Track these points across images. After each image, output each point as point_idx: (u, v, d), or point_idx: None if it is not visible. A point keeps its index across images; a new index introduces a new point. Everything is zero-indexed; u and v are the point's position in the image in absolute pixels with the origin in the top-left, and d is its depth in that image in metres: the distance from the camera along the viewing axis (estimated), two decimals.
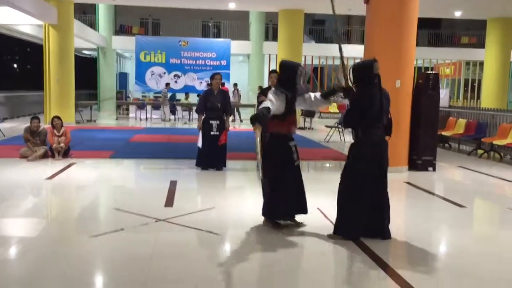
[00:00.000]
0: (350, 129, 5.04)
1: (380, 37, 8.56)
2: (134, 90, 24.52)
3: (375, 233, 4.75)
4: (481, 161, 10.49)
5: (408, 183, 7.90)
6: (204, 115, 8.30)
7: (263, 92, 7.65)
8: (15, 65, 35.70)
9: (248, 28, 26.04)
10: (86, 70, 28.52)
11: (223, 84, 10.51)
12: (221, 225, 5.18)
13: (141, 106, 20.60)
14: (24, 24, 18.60)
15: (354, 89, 4.79)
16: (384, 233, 4.76)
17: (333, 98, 5.16)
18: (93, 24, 24.43)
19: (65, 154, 9.35)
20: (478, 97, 25.25)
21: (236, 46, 23.35)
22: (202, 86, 21.23)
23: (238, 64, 26.31)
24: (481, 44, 23.27)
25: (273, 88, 5.13)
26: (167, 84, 20.51)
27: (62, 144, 9.25)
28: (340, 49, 4.97)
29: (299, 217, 5.22)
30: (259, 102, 5.98)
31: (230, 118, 10.27)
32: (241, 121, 19.67)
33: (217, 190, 7.24)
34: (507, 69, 18.83)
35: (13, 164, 8.62)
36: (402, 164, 8.79)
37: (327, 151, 11.37)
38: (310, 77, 27.41)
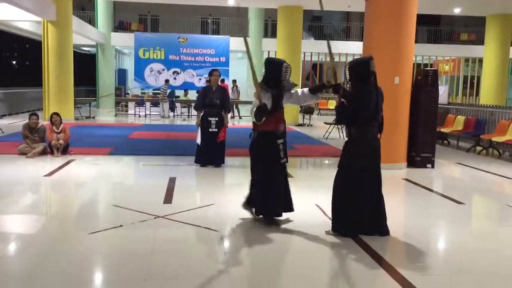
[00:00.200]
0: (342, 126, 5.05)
1: (379, 33, 8.55)
2: (133, 87, 24.50)
3: (372, 230, 4.76)
4: (479, 157, 10.50)
5: (407, 179, 7.91)
6: (203, 112, 8.29)
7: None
8: (14, 62, 35.64)
9: (247, 25, 25.99)
10: (85, 67, 28.48)
11: (222, 81, 10.50)
12: (220, 221, 5.18)
13: (140, 102, 20.59)
14: (22, 20, 18.55)
15: (343, 86, 4.80)
16: (382, 230, 4.77)
17: (320, 94, 5.18)
18: (91, 21, 24.38)
19: (64, 150, 9.35)
20: (477, 94, 25.25)
21: (235, 43, 23.31)
22: (201, 83, 21.24)
23: (237, 61, 26.30)
24: (480, 41, 23.28)
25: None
26: (167, 81, 20.50)
27: (61, 141, 9.25)
28: (329, 46, 4.97)
29: (295, 216, 5.23)
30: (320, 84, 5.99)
31: (229, 115, 10.27)
32: (240, 117, 19.66)
33: (216, 186, 7.25)
34: (506, 66, 18.84)
35: (12, 161, 8.62)
36: (401, 161, 8.79)
37: (326, 148, 11.37)
38: (310, 73, 27.40)
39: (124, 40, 24.66)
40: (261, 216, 5.17)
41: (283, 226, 5.08)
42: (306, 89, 5.22)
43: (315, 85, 5.48)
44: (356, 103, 4.63)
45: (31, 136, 9.28)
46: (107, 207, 5.96)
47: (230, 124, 8.70)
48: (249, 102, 19.48)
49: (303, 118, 18.20)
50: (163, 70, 22.36)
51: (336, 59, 24.56)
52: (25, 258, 4.11)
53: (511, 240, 5.02)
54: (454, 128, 12.21)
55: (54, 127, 9.34)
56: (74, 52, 17.73)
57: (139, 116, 20.02)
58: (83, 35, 20.93)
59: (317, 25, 29.02)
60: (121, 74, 26.75)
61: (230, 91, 18.67)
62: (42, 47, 16.47)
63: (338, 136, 13.09)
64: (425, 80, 9.00)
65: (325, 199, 5.70)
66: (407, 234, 5.03)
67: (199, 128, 8.32)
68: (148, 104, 20.52)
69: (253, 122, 5.05)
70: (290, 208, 5.23)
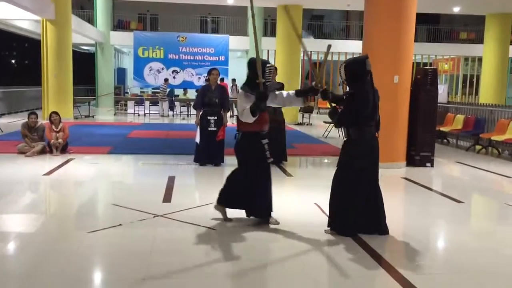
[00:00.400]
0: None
1: (378, 32, 8.54)
2: (132, 86, 24.49)
3: (372, 229, 4.76)
4: (479, 156, 10.50)
5: (406, 178, 7.91)
6: (202, 110, 8.28)
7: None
8: (13, 61, 35.60)
9: (247, 24, 25.97)
10: (84, 66, 28.44)
11: (222, 80, 10.49)
12: (219, 220, 5.18)
13: (139, 101, 20.58)
14: (21, 19, 18.52)
15: (331, 91, 4.81)
16: (381, 229, 4.77)
17: (307, 97, 5.14)
18: (91, 20, 24.35)
19: (63, 149, 9.34)
20: (477, 93, 25.26)
21: (235, 42, 23.31)
22: (200, 82, 21.22)
23: (236, 60, 26.28)
24: (479, 40, 23.28)
25: (241, 90, 5.03)
26: (166, 80, 20.49)
27: (60, 140, 9.24)
28: (327, 53, 4.96)
29: (295, 214, 5.22)
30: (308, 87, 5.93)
31: (228, 114, 10.25)
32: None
33: (215, 185, 7.18)
34: (505, 65, 18.85)
35: (11, 160, 8.61)
36: (400, 160, 8.79)
37: (325, 147, 11.37)
38: (309, 72, 27.39)
39: (123, 39, 24.64)
40: (254, 216, 5.14)
41: (282, 225, 5.07)
42: (292, 92, 5.14)
43: (302, 88, 5.42)
44: (355, 103, 4.62)
45: (30, 135, 9.27)
46: (106, 206, 5.95)
47: (229, 123, 8.68)
48: None
49: (303, 117, 18.20)
50: (163, 69, 22.34)
51: (336, 58, 24.61)
52: (25, 257, 4.11)
53: (510, 239, 5.02)
54: (454, 127, 12.22)
55: (53, 126, 9.33)
56: (73, 51, 17.71)
57: (138, 115, 20.01)
58: (82, 34, 20.90)
59: (317, 24, 29.00)
60: (120, 73, 26.73)
61: (229, 90, 18.67)
62: (41, 46, 16.45)
63: (337, 135, 13.08)
64: (424, 79, 9.00)
65: (324, 198, 5.69)
66: (406, 233, 5.03)
67: (198, 127, 8.32)
68: (147, 103, 20.52)
69: (238, 123, 5.02)
70: (270, 208, 5.18)
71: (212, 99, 8.22)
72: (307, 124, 17.36)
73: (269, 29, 26.82)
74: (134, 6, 25.65)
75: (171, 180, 7.17)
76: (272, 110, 8.35)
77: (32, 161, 8.58)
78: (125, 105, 21.55)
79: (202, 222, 5.04)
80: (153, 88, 23.02)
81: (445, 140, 12.64)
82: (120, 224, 4.92)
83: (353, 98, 4.63)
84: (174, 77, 22.36)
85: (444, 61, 28.51)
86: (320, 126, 15.81)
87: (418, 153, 8.93)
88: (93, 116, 18.55)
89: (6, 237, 4.58)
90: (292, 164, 8.90)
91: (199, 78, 22.09)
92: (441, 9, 20.34)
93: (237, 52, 27.10)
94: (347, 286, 3.70)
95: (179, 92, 22.28)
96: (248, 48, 25.12)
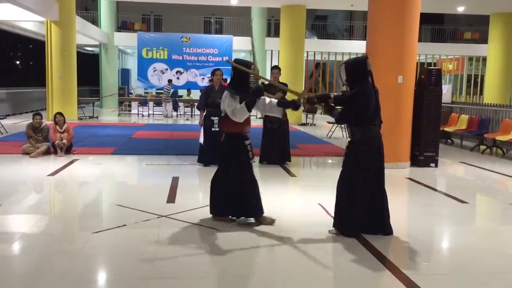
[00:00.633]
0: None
1: (382, 32, 8.53)
2: (136, 87, 24.54)
3: (376, 229, 4.75)
4: (483, 157, 10.47)
5: (410, 179, 7.89)
6: (206, 111, 8.28)
7: (265, 88, 7.62)
8: (18, 62, 35.74)
9: (250, 24, 25.98)
10: (88, 67, 28.51)
11: (225, 81, 10.49)
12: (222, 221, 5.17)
13: (143, 102, 20.63)
14: (26, 20, 18.61)
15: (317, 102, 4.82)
16: (385, 229, 4.76)
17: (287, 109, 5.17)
18: (95, 21, 24.43)
19: (68, 150, 9.37)
20: (481, 93, 25.17)
21: (238, 42, 23.30)
22: (204, 82, 21.25)
23: None
24: (484, 40, 23.22)
25: (226, 92, 5.02)
26: (170, 81, 20.52)
27: (64, 141, 9.27)
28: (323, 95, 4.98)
29: (299, 215, 5.22)
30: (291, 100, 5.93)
31: None
32: (257, 118, 19.65)
33: None
34: (510, 65, 18.76)
35: (15, 161, 8.64)
36: (404, 160, 8.77)
37: (329, 147, 11.36)
38: (313, 73, 27.37)
39: (127, 40, 24.69)
40: (243, 217, 5.12)
41: (285, 225, 5.07)
42: (274, 100, 5.16)
43: (286, 100, 5.45)
44: (358, 103, 4.61)
45: (34, 135, 9.31)
46: (110, 207, 5.97)
47: None
48: None
49: (306, 117, 18.19)
50: (166, 69, 22.38)
51: (340, 58, 24.59)
52: (29, 257, 4.12)
53: None
54: (458, 127, 12.18)
55: (57, 127, 9.36)
56: (78, 52, 17.76)
57: (142, 115, 20.05)
58: (86, 35, 20.97)
59: (320, 24, 28.98)
60: (124, 74, 26.79)
61: None
62: (46, 47, 16.51)
63: (341, 135, 13.07)
64: (428, 79, 8.97)
65: (328, 199, 5.70)
66: (410, 233, 5.02)
67: (202, 127, 8.32)
68: (151, 103, 20.56)
69: (221, 125, 5.08)
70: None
71: (215, 100, 8.20)
72: (310, 125, 17.35)
73: (273, 30, 26.82)
74: (138, 7, 25.71)
75: (175, 180, 7.18)
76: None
77: (36, 162, 8.61)
78: (129, 106, 21.60)
79: (206, 223, 5.05)
80: (157, 89, 23.05)
81: (449, 140, 12.60)
82: (124, 225, 4.93)
83: (356, 98, 4.62)
84: (178, 78, 22.39)
85: (448, 61, 28.43)
86: (324, 126, 15.80)
87: (422, 153, 8.91)
88: (97, 117, 18.60)
89: (10, 238, 4.60)
90: (296, 164, 8.89)
91: (203, 78, 22.11)
92: (445, 8, 20.29)
93: (241, 53, 27.09)
94: (351, 287, 3.69)
95: (182, 92, 22.30)
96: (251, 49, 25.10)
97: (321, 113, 22.08)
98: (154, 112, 20.31)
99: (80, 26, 18.68)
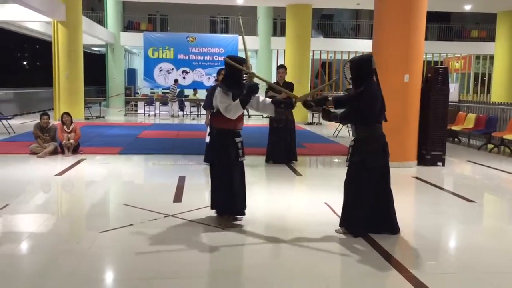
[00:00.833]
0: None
1: (389, 31, 8.50)
2: (142, 86, 24.61)
3: (382, 228, 4.74)
4: (491, 155, 10.41)
5: (417, 178, 7.86)
6: (212, 110, 8.27)
7: (270, 88, 7.62)
8: (25, 62, 35.94)
9: (256, 24, 25.99)
10: (95, 67, 28.63)
11: None
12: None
13: (149, 102, 20.68)
14: (33, 21, 18.70)
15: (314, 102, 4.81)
16: (392, 228, 4.75)
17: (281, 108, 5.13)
18: (101, 21, 24.51)
19: (75, 150, 9.41)
20: (488, 91, 25.04)
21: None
22: (210, 82, 21.26)
23: None
24: (491, 38, 23.07)
25: (218, 88, 4.97)
26: (176, 81, 20.55)
27: (71, 140, 9.31)
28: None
29: (305, 214, 5.20)
30: (268, 97, 5.92)
31: None
32: (249, 116, 19.65)
33: None
34: None
35: (23, 160, 8.69)
36: (411, 159, 8.74)
37: (335, 146, 11.34)
38: (319, 72, 27.32)
39: (133, 40, 24.77)
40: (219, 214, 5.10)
41: (292, 224, 5.06)
42: (268, 99, 5.15)
43: (279, 98, 5.42)
44: (364, 102, 4.59)
45: (42, 135, 9.36)
46: (117, 206, 5.99)
47: None
48: None
49: (313, 116, 18.16)
50: (172, 69, 22.41)
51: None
52: (37, 257, 4.15)
53: None
54: (465, 126, 12.12)
55: (64, 127, 9.40)
56: (84, 52, 17.84)
57: (149, 115, 20.11)
58: (92, 35, 21.05)
59: (326, 23, 28.92)
60: (131, 74, 26.87)
61: None
62: (53, 47, 16.59)
63: (347, 134, 13.04)
64: (435, 77, 8.93)
65: (335, 198, 5.70)
66: (417, 232, 5.00)
67: (208, 127, 8.31)
68: (157, 103, 20.61)
69: (212, 120, 5.01)
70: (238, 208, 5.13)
71: None
72: (317, 124, 17.33)
73: (279, 29, 26.79)
74: (144, 7, 25.78)
75: (182, 180, 7.19)
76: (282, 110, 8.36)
77: (44, 162, 8.65)
78: (136, 105, 21.67)
79: (213, 222, 5.05)
80: (163, 89, 23.09)
81: (456, 139, 12.54)
82: (131, 224, 4.95)
83: (362, 97, 4.60)
84: (184, 78, 22.42)
85: (455, 60, 28.29)
86: (330, 125, 15.77)
87: (429, 152, 8.88)
88: (103, 117, 18.66)
89: (18, 237, 4.63)
90: (302, 163, 8.88)
91: (209, 78, 22.12)
92: (452, 7, 20.20)
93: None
94: (359, 286, 3.69)
95: (189, 92, 22.34)
96: (258, 48, 25.13)
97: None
98: (160, 112, 20.36)
99: (87, 26, 18.75)
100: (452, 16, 28.80)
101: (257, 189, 6.97)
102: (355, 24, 29.52)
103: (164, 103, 20.51)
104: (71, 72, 16.44)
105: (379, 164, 4.67)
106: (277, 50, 24.60)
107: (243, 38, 5.30)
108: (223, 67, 8.80)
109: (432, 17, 16.44)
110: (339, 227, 4.82)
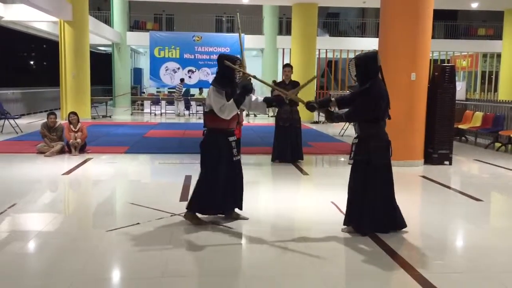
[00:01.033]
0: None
1: (395, 29, 8.47)
2: (148, 86, 24.67)
3: (388, 226, 4.72)
4: (498, 154, 10.35)
5: (424, 177, 7.83)
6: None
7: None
8: (32, 62, 36.15)
9: (262, 23, 25.98)
10: (101, 66, 28.75)
11: None
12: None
13: (155, 101, 20.73)
14: (39, 21, 18.80)
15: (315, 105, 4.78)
16: (399, 224, 4.74)
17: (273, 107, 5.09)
18: (107, 20, 24.61)
19: (81, 149, 9.45)
20: (495, 90, 24.90)
21: (250, 41, 23.30)
22: None
23: (251, 59, 26.29)
24: (498, 36, 22.96)
25: (211, 87, 4.90)
26: (182, 80, 20.59)
27: (78, 140, 9.35)
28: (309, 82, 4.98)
29: (311, 213, 5.20)
30: (274, 96, 5.92)
31: (244, 113, 10.27)
32: (255, 115, 19.66)
33: None
34: None
35: (30, 160, 8.74)
36: (418, 158, 8.71)
37: (342, 145, 11.31)
38: (325, 71, 27.27)
39: (139, 39, 24.85)
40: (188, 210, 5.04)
41: (298, 223, 5.06)
42: (260, 98, 5.11)
43: (272, 97, 5.40)
44: (370, 100, 4.56)
45: (49, 135, 9.41)
46: (124, 205, 6.01)
47: (245, 122, 8.69)
48: None
49: (319, 115, 18.13)
50: (178, 68, 22.45)
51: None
52: (44, 255, 4.17)
53: None
54: (472, 125, 12.06)
55: (71, 126, 9.45)
56: (91, 52, 17.91)
57: (155, 114, 20.15)
58: (99, 35, 21.14)
59: (332, 21, 28.87)
60: (137, 73, 26.95)
61: None
62: (59, 47, 16.67)
63: (353, 133, 13.00)
64: (442, 76, 8.89)
65: (341, 197, 5.67)
66: (424, 231, 4.99)
67: None
68: (163, 102, 20.66)
69: (205, 119, 4.97)
70: (239, 205, 5.10)
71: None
72: (323, 123, 17.30)
73: (284, 28, 26.77)
74: (150, 7, 25.85)
75: (188, 179, 7.20)
76: (288, 109, 8.36)
77: (51, 161, 8.69)
78: (142, 105, 21.73)
79: (219, 221, 5.06)
80: (169, 88, 23.14)
81: (463, 138, 12.48)
82: (138, 223, 4.97)
83: (368, 95, 4.58)
84: (190, 77, 22.45)
85: (462, 58, 28.16)
86: (336, 124, 15.73)
87: (436, 151, 8.84)
88: (110, 116, 18.73)
89: (26, 236, 4.65)
90: (308, 162, 8.88)
91: None
92: (459, 5, 20.10)
93: (252, 51, 27.10)
94: (365, 285, 3.68)
95: (195, 91, 22.37)
96: (264, 47, 25.12)
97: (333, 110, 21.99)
98: (167, 111, 20.40)
99: (93, 26, 18.83)
100: (459, 14, 28.67)
101: (263, 188, 6.96)
102: (361, 22, 29.45)
103: (170, 102, 20.56)
104: (78, 71, 16.51)
105: (383, 162, 4.66)
106: (283, 49, 24.58)
107: (239, 35, 5.28)
108: None
109: (439, 15, 16.38)
110: (345, 226, 4.81)
